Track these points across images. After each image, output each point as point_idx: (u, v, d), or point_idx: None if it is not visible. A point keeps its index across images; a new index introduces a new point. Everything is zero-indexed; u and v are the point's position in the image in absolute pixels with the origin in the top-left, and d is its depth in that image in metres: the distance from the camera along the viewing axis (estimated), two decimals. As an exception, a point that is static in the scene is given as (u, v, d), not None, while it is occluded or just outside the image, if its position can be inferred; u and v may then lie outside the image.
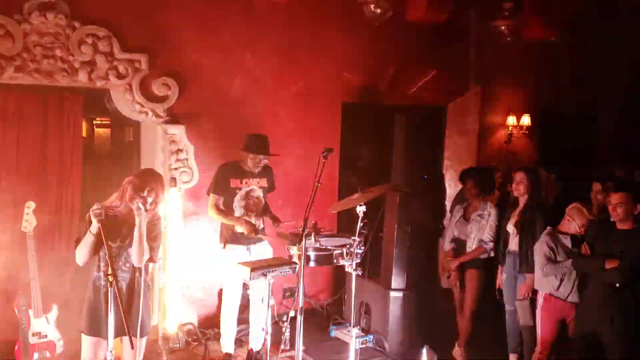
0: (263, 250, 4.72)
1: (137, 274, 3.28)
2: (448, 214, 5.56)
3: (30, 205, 4.28)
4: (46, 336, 4.38)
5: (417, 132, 5.12)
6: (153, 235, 3.28)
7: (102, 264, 3.22)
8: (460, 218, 5.00)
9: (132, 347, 2.95)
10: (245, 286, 4.75)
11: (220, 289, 4.80)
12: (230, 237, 4.61)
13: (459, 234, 4.97)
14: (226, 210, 4.57)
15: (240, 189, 4.59)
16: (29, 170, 4.65)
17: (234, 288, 4.65)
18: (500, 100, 7.18)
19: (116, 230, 3.22)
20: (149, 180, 3.26)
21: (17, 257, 4.39)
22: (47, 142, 4.71)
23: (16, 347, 4.34)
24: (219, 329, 4.78)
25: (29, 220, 4.27)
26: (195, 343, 5.04)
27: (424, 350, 4.19)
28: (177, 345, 4.89)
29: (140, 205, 3.11)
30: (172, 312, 4.91)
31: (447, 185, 6.47)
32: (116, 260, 3.20)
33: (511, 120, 7.17)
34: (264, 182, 4.70)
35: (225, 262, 4.63)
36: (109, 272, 2.88)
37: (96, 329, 3.28)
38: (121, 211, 3.26)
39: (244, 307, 4.85)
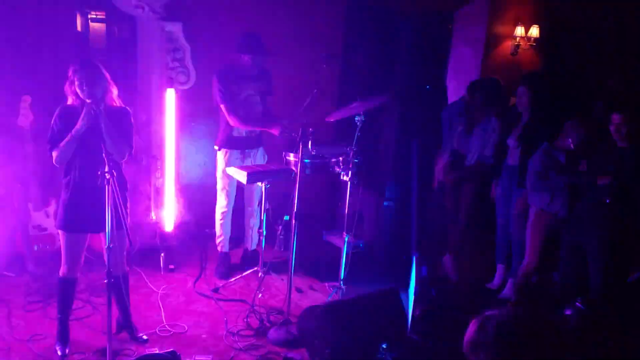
0: (258, 155, 4.73)
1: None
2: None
3: (27, 99, 4.26)
4: (46, 229, 4.49)
5: (422, 40, 4.96)
6: (121, 128, 3.28)
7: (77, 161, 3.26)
8: (462, 131, 4.88)
9: (131, 244, 3.02)
10: (241, 189, 4.80)
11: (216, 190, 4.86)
12: (226, 141, 4.60)
13: (459, 146, 4.90)
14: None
15: (238, 93, 4.51)
16: (25, 65, 4.56)
17: (228, 190, 4.71)
18: (508, 9, 6.89)
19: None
20: (91, 72, 3.20)
21: (15, 151, 4.40)
22: (42, 36, 4.59)
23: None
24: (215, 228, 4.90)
25: (26, 115, 4.27)
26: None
27: (414, 258, 4.28)
28: (175, 243, 5.02)
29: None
30: (170, 211, 5.00)
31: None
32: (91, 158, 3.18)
33: (519, 30, 6.92)
34: (262, 86, 4.61)
35: (220, 165, 4.66)
36: (106, 169, 2.89)
37: (74, 225, 3.33)
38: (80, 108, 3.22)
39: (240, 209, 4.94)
